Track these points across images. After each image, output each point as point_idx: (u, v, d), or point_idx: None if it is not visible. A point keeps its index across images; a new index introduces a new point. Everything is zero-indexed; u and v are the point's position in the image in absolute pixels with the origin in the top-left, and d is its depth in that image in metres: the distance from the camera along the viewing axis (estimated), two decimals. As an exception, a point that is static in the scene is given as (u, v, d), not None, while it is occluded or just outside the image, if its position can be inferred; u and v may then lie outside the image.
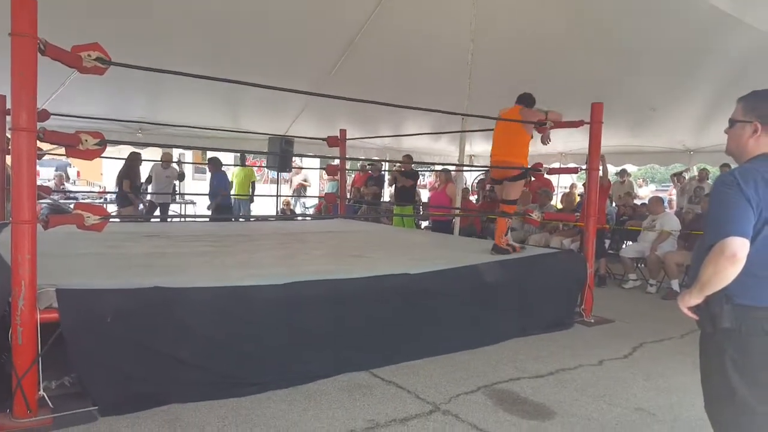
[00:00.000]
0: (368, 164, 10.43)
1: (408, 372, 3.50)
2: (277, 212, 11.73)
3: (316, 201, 13.71)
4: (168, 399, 2.91)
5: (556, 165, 11.18)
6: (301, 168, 14.78)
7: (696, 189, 9.55)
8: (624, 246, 7.32)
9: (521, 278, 4.50)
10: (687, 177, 10.54)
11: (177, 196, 10.66)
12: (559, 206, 9.76)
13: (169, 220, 9.64)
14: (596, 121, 5.07)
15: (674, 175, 10.89)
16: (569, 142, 11.22)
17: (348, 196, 10.49)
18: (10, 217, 2.67)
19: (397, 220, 9.11)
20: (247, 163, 11.06)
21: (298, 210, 13.56)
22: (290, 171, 12.68)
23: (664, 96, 8.24)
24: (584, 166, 5.28)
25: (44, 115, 5.21)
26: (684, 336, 4.58)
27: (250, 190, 10.50)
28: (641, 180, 16.41)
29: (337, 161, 8.99)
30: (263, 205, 14.05)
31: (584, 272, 4.96)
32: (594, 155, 5.10)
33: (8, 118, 5.66)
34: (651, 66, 7.39)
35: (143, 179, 9.21)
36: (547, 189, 8.92)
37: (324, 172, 10.58)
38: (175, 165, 10.08)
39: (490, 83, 7.78)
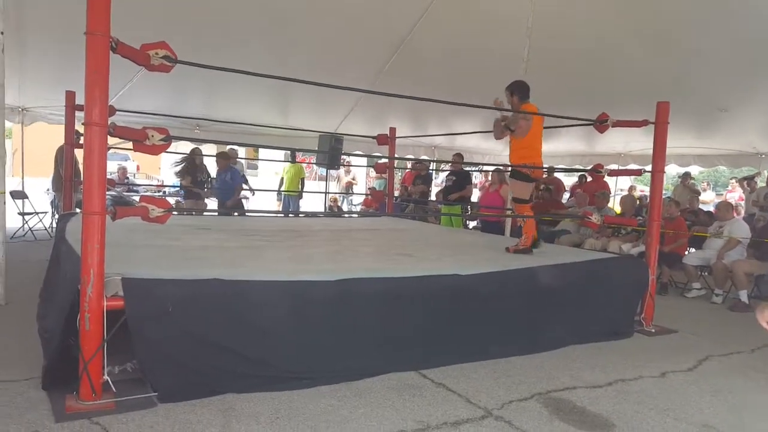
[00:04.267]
0: (415, 163, 10.39)
1: (458, 375, 3.45)
2: (325, 209, 11.87)
3: (363, 198, 13.79)
4: (223, 389, 2.98)
5: (615, 166, 10.82)
6: (351, 166, 14.89)
7: (767, 195, 9.03)
8: (687, 253, 6.98)
9: (578, 283, 4.35)
10: (758, 182, 9.98)
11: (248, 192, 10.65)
12: (617, 209, 9.46)
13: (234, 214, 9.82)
14: (662, 121, 4.84)
15: (743, 179, 10.34)
16: (630, 142, 10.84)
17: (396, 194, 10.50)
18: (77, 208, 2.79)
19: (445, 220, 9.03)
20: (297, 160, 11.23)
21: (345, 207, 13.67)
22: (339, 168, 12.80)
23: (733, 96, 7.81)
24: (648, 168, 5.05)
25: (111, 110, 5.43)
26: (755, 351, 4.34)
27: (300, 187, 10.67)
28: (705, 183, 15.65)
29: (385, 159, 8.99)
30: (312, 202, 14.25)
31: (645, 279, 4.76)
32: (659, 157, 4.88)
33: (77, 114, 5.97)
34: (719, 64, 7.02)
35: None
36: (605, 191, 8.64)
37: (371, 170, 10.61)
38: (242, 161, 10.27)
39: (545, 82, 7.59)
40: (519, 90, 4.75)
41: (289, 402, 2.93)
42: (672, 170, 12.70)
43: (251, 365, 3.06)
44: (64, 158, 7.86)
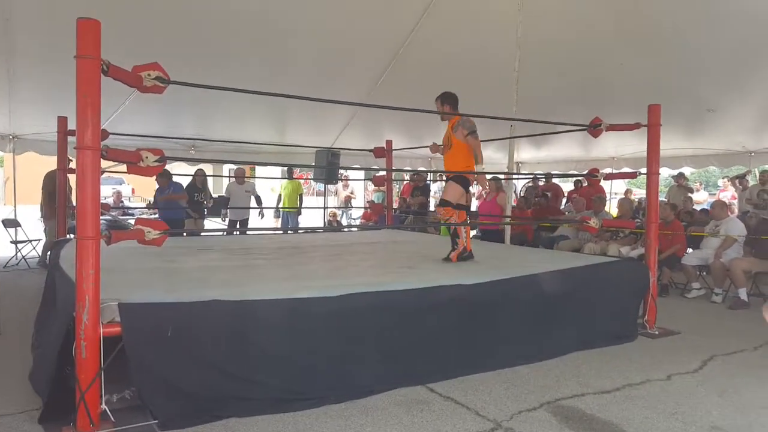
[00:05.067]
0: (413, 174, 10.39)
1: (465, 387, 3.40)
2: (324, 224, 11.84)
3: (362, 212, 13.75)
4: (226, 413, 2.92)
5: (608, 170, 10.85)
6: (348, 180, 14.88)
7: (760, 192, 9.04)
8: (686, 253, 6.96)
9: (580, 288, 4.32)
10: (749, 180, 10.00)
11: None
12: (614, 213, 9.46)
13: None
14: (654, 123, 4.85)
15: (734, 177, 10.37)
16: (621, 146, 10.87)
17: (395, 206, 10.47)
18: (70, 234, 2.75)
19: (444, 230, 8.99)
20: (294, 176, 11.22)
21: (345, 222, 13.64)
22: (337, 183, 12.79)
23: (722, 97, 7.86)
24: (643, 171, 5.05)
25: (104, 134, 5.40)
26: (758, 348, 4.31)
27: (298, 203, 10.63)
28: (698, 183, 15.69)
29: (383, 172, 8.98)
30: (310, 218, 14.20)
31: (647, 281, 4.74)
32: (653, 159, 4.88)
33: (70, 138, 5.94)
34: (705, 65, 7.07)
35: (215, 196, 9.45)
36: (602, 195, 8.65)
37: (369, 183, 10.61)
38: (250, 180, 10.19)
39: (538, 89, 7.63)
40: (450, 100, 4.81)
41: (294, 424, 2.87)
42: (664, 173, 12.72)
43: (254, 388, 3.01)
44: (55, 184, 7.84)
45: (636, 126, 4.99)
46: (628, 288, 4.66)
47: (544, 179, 11.47)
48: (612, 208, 10.49)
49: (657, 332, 4.71)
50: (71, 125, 5.45)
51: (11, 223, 8.49)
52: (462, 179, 4.76)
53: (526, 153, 13.20)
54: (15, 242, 8.43)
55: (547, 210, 9.95)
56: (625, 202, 8.44)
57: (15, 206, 8.80)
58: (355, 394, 3.19)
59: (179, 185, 8.11)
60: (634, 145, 9.89)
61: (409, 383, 3.39)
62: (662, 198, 11.86)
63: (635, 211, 9.08)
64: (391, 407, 3.10)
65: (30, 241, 8.40)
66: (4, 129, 8.01)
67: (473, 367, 3.63)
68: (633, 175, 5.84)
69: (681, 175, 10.68)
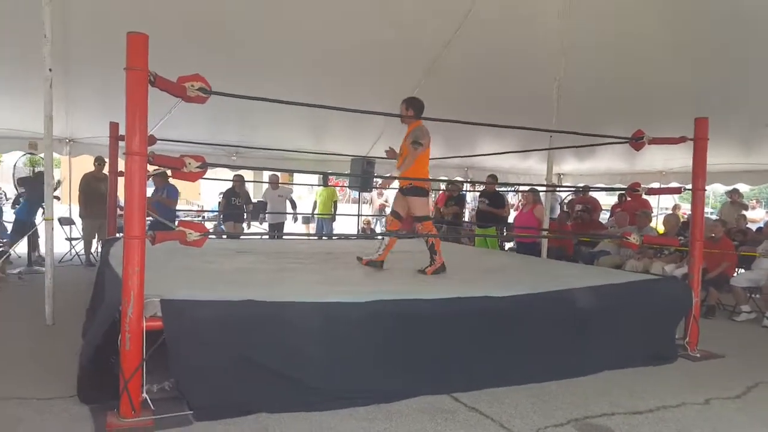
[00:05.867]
0: (448, 184, 10.38)
1: (492, 399, 3.39)
2: (358, 231, 11.96)
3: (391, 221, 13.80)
4: (257, 408, 3.03)
5: (656, 185, 10.54)
6: (383, 188, 14.99)
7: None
8: (735, 274, 6.70)
9: (617, 306, 4.23)
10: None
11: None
12: (660, 229, 9.19)
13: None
14: (701, 137, 4.70)
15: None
16: (669, 160, 10.55)
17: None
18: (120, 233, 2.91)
19: (479, 241, 8.95)
20: (329, 184, 11.42)
21: (378, 229, 13.72)
22: (371, 191, 12.90)
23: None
24: (688, 186, 4.90)
25: (152, 140, 5.66)
26: (809, 378, 4.11)
27: (333, 210, 10.81)
28: (754, 201, 15.00)
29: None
30: (345, 224, 14.36)
31: (689, 301, 4.58)
32: (699, 174, 4.73)
33: (121, 144, 6.25)
34: (763, 78, 6.80)
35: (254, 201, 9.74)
36: (647, 210, 8.41)
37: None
38: (285, 185, 10.48)
39: (579, 99, 7.52)
40: (415, 106, 4.72)
41: (320, 423, 2.95)
42: (718, 189, 12.27)
43: (284, 385, 3.10)
44: (90, 186, 8.22)
45: (681, 140, 4.85)
46: (669, 308, 4.52)
47: (582, 192, 11.25)
48: (660, 224, 10.20)
49: (698, 355, 4.54)
50: (122, 130, 5.73)
51: (66, 221, 8.98)
52: (420, 190, 4.67)
53: (569, 165, 12.98)
54: (69, 239, 8.90)
55: (589, 224, 9.76)
56: (671, 218, 8.19)
57: (69, 205, 9.27)
58: (381, 398, 3.24)
59: (174, 188, 8.26)
60: (683, 158, 9.59)
61: (435, 391, 3.41)
62: (713, 215, 11.42)
63: (683, 227, 8.79)
64: (415, 413, 3.13)
65: (82, 238, 8.84)
66: (62, 133, 8.41)
67: (500, 380, 3.61)
68: (678, 190, 5.66)
69: (735, 192, 10.26)
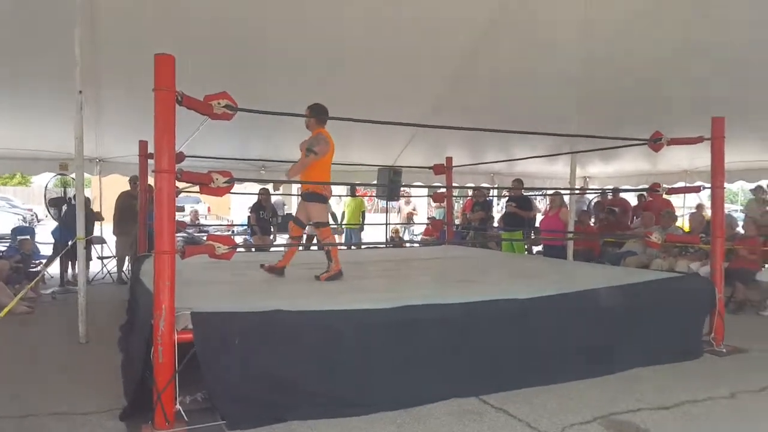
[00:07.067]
0: (474, 190, 10.41)
1: (519, 400, 3.42)
2: (386, 240, 12.04)
3: (424, 228, 13.86)
4: (288, 416, 3.10)
5: (681, 184, 10.40)
6: (411, 197, 15.08)
7: None
8: (763, 269, 6.59)
9: (641, 304, 4.24)
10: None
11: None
12: (686, 228, 9.08)
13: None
14: (717, 136, 4.70)
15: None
16: (695, 159, 10.40)
17: (456, 223, 10.50)
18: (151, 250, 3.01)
19: (506, 246, 8.95)
20: (357, 194, 11.54)
21: (407, 238, 13.78)
22: (398, 200, 12.99)
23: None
24: (708, 185, 4.89)
25: (180, 157, 5.84)
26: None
27: (361, 220, 10.92)
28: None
29: (443, 189, 9.08)
30: (373, 233, 14.46)
31: (712, 298, 4.56)
32: (718, 172, 4.72)
33: (150, 161, 6.45)
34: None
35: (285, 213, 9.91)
36: (670, 210, 8.32)
37: (431, 199, 10.72)
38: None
39: (601, 102, 7.50)
40: (318, 113, 4.69)
41: (350, 428, 3.01)
42: (744, 186, 12.03)
43: (314, 392, 3.17)
44: (124, 204, 8.46)
45: (699, 139, 4.85)
46: (693, 304, 4.51)
47: (611, 194, 11.17)
48: (686, 223, 10.06)
49: (724, 350, 4.53)
50: (151, 148, 5.92)
51: (97, 240, 9.24)
52: (319, 196, 4.64)
53: (594, 167, 12.88)
54: (101, 258, 9.17)
55: (615, 225, 9.68)
56: (696, 216, 8.10)
57: (101, 224, 9.55)
58: (409, 403, 3.29)
59: None
60: (707, 157, 9.45)
61: (463, 394, 3.45)
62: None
63: (707, 226, 8.65)
64: (443, 416, 3.17)
65: (114, 257, 9.10)
66: (92, 153, 8.61)
67: (528, 381, 3.64)
68: (697, 189, 5.66)
69: (759, 188, 10.08)
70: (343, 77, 7.54)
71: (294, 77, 7.33)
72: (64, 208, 8.05)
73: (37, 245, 9.21)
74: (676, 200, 11.84)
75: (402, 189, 9.39)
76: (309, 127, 4.71)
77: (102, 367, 3.94)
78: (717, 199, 4.76)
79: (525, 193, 9.60)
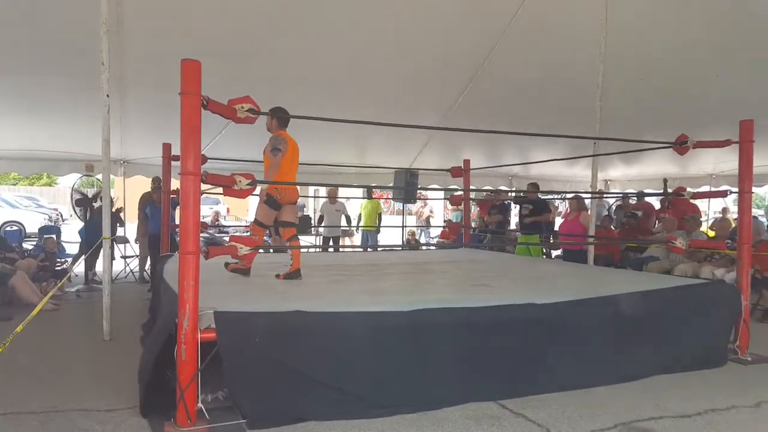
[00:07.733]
0: (489, 194, 10.38)
1: (538, 405, 3.41)
2: (402, 242, 12.06)
3: (440, 231, 13.85)
4: (308, 416, 3.13)
5: (707, 188, 10.23)
6: (427, 199, 15.07)
7: None
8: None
9: (664, 311, 4.18)
10: None
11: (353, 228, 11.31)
12: (711, 233, 8.93)
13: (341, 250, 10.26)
14: (746, 140, 4.62)
15: None
16: (720, 162, 10.25)
17: (473, 226, 10.47)
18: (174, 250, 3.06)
19: (521, 249, 8.89)
20: (373, 196, 11.58)
21: (423, 240, 13.78)
22: (415, 202, 13.01)
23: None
24: (735, 189, 4.81)
25: (203, 159, 5.90)
26: None
27: (377, 222, 10.96)
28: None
29: (460, 191, 9.06)
30: (390, 236, 14.48)
31: (738, 305, 4.48)
32: (745, 176, 4.63)
33: (173, 163, 6.55)
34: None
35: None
36: (695, 214, 8.19)
37: (448, 202, 10.72)
38: (341, 200, 10.76)
39: (623, 105, 7.43)
40: (278, 116, 4.64)
41: (369, 430, 3.03)
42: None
43: (332, 393, 3.20)
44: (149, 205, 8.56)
45: (727, 143, 4.78)
46: (717, 311, 4.43)
47: (634, 198, 11.04)
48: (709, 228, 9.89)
49: (750, 358, 4.44)
50: (175, 151, 6.01)
51: (121, 240, 9.41)
52: (272, 201, 4.61)
53: (616, 171, 12.75)
54: (124, 257, 9.33)
55: (637, 230, 9.55)
56: (721, 221, 7.96)
57: (124, 225, 9.71)
58: (428, 406, 3.30)
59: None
60: (733, 161, 9.30)
61: (482, 398, 3.45)
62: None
63: (734, 231, 8.51)
64: (461, 420, 3.18)
65: (137, 256, 9.25)
66: (116, 154, 8.78)
67: (547, 386, 3.62)
68: (723, 194, 5.55)
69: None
70: (361, 81, 7.58)
71: (312, 81, 7.40)
72: (95, 205, 8.20)
73: (62, 244, 9.40)
74: (699, 204, 11.65)
75: (418, 191, 9.40)
76: (270, 130, 4.74)
77: (126, 364, 4.00)
78: (744, 203, 4.69)
79: (542, 197, 9.53)
